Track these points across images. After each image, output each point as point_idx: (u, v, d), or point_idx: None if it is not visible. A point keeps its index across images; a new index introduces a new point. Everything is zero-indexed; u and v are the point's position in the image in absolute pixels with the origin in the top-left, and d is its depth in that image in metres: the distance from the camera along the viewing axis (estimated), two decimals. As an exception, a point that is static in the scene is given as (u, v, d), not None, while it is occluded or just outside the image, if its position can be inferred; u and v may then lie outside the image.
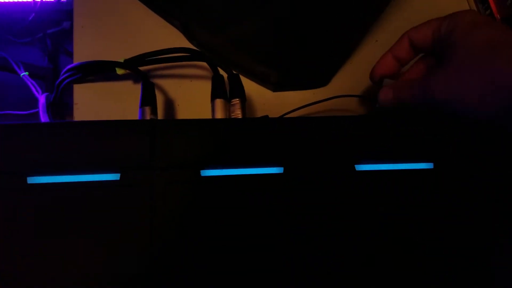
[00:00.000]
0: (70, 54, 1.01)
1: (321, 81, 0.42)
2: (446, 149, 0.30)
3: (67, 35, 1.00)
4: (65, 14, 0.96)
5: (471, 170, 0.30)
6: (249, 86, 0.42)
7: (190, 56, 0.37)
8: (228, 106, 0.33)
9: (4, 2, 0.92)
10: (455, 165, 0.30)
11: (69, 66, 0.40)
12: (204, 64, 0.41)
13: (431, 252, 0.29)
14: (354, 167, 0.29)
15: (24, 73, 0.82)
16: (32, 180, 0.27)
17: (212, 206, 0.28)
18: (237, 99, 0.33)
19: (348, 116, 0.32)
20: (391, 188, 0.29)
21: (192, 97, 0.41)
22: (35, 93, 0.76)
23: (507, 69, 0.27)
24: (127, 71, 0.38)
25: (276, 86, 0.42)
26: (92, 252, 0.26)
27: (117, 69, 0.37)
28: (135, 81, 0.41)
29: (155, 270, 0.26)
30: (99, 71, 0.39)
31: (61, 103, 0.45)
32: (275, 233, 0.28)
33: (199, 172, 0.28)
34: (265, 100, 0.42)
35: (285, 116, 0.37)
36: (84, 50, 0.42)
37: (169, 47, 0.37)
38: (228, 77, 0.35)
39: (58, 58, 1.00)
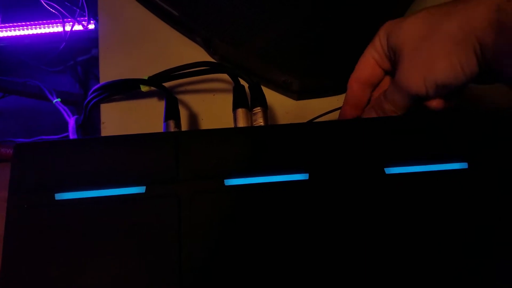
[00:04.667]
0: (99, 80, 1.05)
1: (344, 86, 0.42)
2: (481, 147, 0.29)
3: (97, 62, 1.04)
4: (94, 42, 1.01)
5: (509, 168, 0.28)
6: (272, 96, 0.42)
7: (211, 68, 0.37)
8: (250, 115, 0.33)
9: (36, 33, 0.97)
10: (491, 164, 0.28)
11: (95, 87, 0.41)
12: (226, 77, 0.41)
13: (468, 255, 0.27)
14: (384, 171, 0.28)
15: (57, 100, 0.85)
16: (60, 196, 0.27)
17: (238, 215, 0.27)
18: (259, 108, 0.33)
19: (375, 117, 0.31)
20: (423, 191, 0.28)
21: (215, 110, 0.41)
22: (67, 118, 0.79)
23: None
24: (151, 88, 0.38)
25: (299, 94, 0.41)
26: (120, 265, 0.26)
27: (141, 86, 0.38)
28: (160, 97, 0.41)
29: (184, 281, 0.26)
30: (125, 89, 0.40)
31: (90, 124, 0.46)
32: (302, 240, 0.27)
33: (223, 182, 0.28)
34: (288, 109, 0.42)
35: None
36: (109, 71, 0.44)
37: (192, 62, 0.38)
38: (249, 87, 0.35)
39: (89, 84, 1.04)
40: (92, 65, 1.03)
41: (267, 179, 0.28)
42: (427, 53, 0.29)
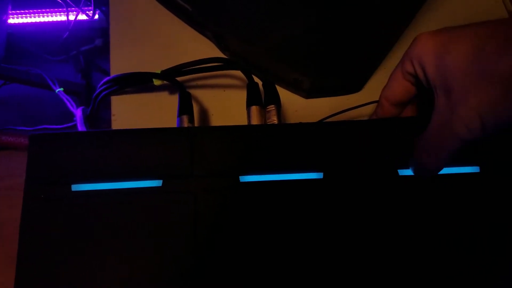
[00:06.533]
0: (102, 71, 1.05)
1: (355, 86, 0.42)
2: (493, 151, 0.29)
3: (99, 52, 1.03)
4: (98, 32, 1.00)
5: (520, 173, 0.29)
6: (281, 94, 0.42)
7: (225, 65, 0.37)
8: (263, 113, 0.33)
9: (40, 22, 0.97)
10: (502, 168, 0.29)
11: (106, 79, 0.41)
12: (237, 73, 0.42)
13: (478, 258, 0.28)
14: (397, 172, 0.29)
15: (59, 89, 0.85)
16: (77, 187, 0.28)
17: (252, 211, 0.28)
18: (273, 106, 0.33)
19: (389, 118, 0.31)
20: (436, 193, 0.28)
21: (226, 106, 0.42)
22: (70, 107, 0.79)
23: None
24: (164, 82, 0.38)
25: (309, 92, 0.41)
26: (135, 257, 0.26)
27: (154, 80, 0.38)
28: (171, 92, 0.41)
29: (198, 275, 0.26)
30: (137, 82, 0.40)
31: (98, 116, 0.46)
32: (314, 238, 0.27)
33: (238, 178, 0.28)
34: (298, 107, 0.42)
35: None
36: (120, 63, 0.44)
37: (203, 57, 0.38)
38: (263, 84, 0.35)
39: (91, 74, 1.04)
40: (95, 55, 1.03)
41: (282, 177, 0.29)
42: (483, 91, 0.24)
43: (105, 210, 0.27)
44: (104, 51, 1.01)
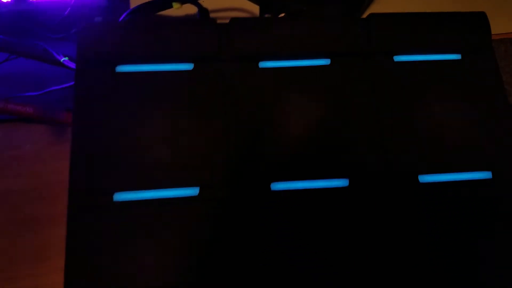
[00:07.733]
0: (101, 48, 1.07)
1: (352, 15, 0.47)
2: (473, 40, 0.34)
3: (98, 31, 1.07)
4: (97, 11, 1.03)
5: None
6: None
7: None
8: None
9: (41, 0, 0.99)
10: (482, 54, 0.34)
11: (126, 13, 0.45)
12: (246, 7, 0.46)
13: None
14: (393, 59, 0.34)
15: (64, 58, 0.88)
16: (119, 69, 0.32)
17: (271, 91, 0.32)
18: (283, 14, 0.38)
19: (383, 13, 0.36)
20: (422, 77, 0.33)
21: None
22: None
23: None
24: (183, 5, 0.42)
25: (311, 21, 0.46)
26: (173, 129, 0.31)
27: (173, 4, 0.42)
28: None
29: (231, 141, 0.31)
30: (156, 9, 0.44)
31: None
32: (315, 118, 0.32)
33: (258, 64, 0.33)
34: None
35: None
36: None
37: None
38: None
39: (91, 50, 1.07)
40: (94, 33, 1.05)
41: (296, 63, 0.33)
42: None
43: (143, 89, 0.31)
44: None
